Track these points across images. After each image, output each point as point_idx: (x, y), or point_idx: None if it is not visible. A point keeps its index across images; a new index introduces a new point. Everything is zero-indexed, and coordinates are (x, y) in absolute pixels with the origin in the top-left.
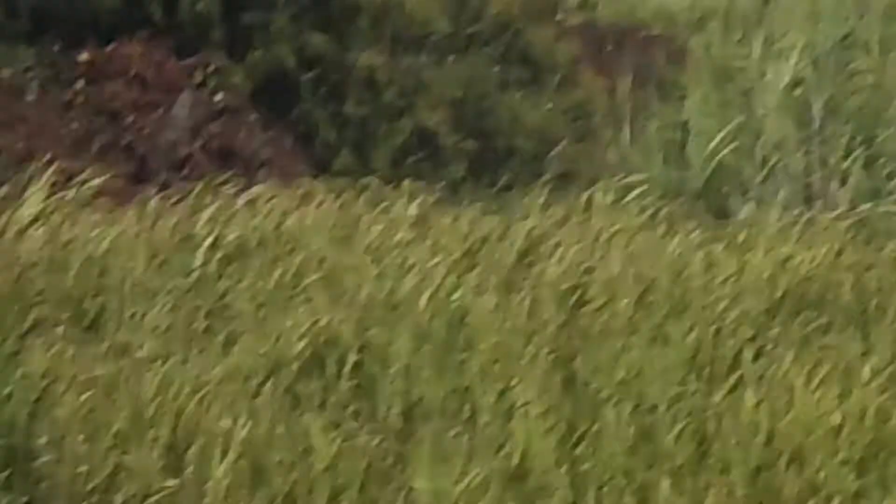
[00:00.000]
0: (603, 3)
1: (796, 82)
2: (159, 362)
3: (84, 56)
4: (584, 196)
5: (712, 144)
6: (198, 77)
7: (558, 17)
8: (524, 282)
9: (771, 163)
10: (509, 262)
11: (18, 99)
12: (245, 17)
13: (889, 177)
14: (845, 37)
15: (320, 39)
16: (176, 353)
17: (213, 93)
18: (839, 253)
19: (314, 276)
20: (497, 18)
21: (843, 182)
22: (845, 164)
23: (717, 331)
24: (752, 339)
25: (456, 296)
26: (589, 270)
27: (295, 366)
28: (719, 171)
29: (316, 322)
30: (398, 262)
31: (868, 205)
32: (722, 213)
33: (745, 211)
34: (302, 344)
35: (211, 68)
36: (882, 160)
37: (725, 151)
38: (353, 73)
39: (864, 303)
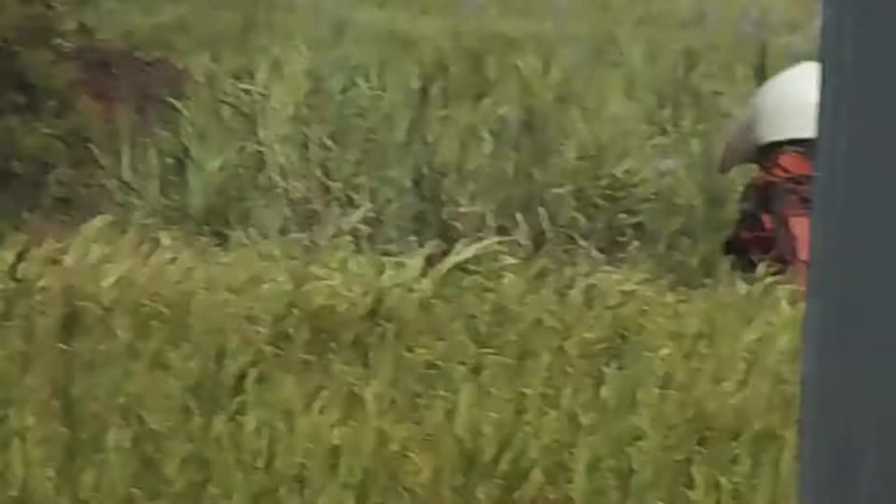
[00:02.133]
0: (102, 27)
1: (299, 109)
2: None
3: None
4: (84, 222)
5: (213, 171)
6: None
7: (55, 41)
8: (22, 310)
9: (275, 190)
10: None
11: None
12: None
13: (386, 204)
14: (351, 64)
15: None
16: None
17: None
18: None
19: None
20: None
21: (343, 207)
22: (348, 192)
23: (220, 355)
24: (255, 363)
25: None
26: (87, 296)
27: None
28: (220, 198)
29: None
30: None
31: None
32: (225, 241)
33: (248, 237)
34: None
35: None
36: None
37: (225, 178)
38: None
39: (367, 326)
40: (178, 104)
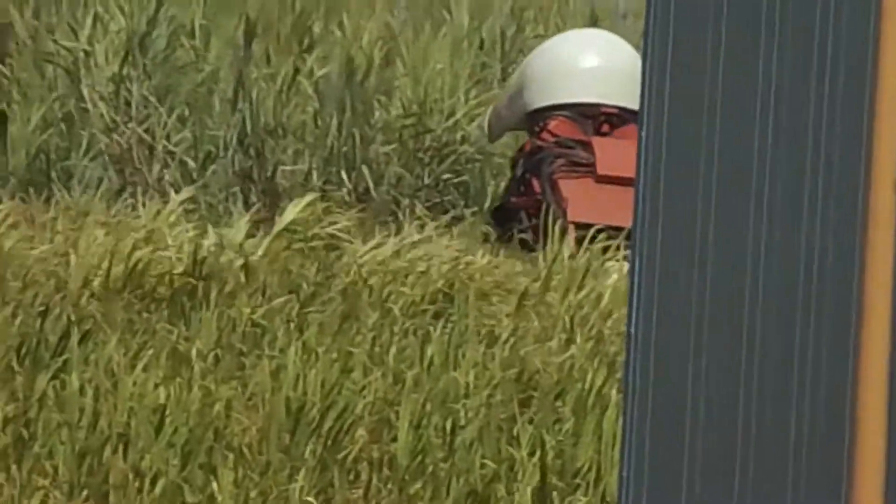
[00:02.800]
0: None
1: (122, 67)
2: None
3: None
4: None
5: (35, 128)
6: None
7: None
8: None
9: (95, 147)
10: None
11: None
12: None
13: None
14: (171, 21)
15: None
16: None
17: None
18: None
19: None
20: None
21: (166, 166)
22: (170, 148)
23: (43, 314)
24: (78, 321)
25: None
26: None
27: None
28: (42, 155)
29: None
30: None
31: (191, 189)
32: (48, 198)
33: (70, 195)
34: None
35: None
36: (208, 146)
37: (46, 136)
38: None
39: (189, 286)
40: (1, 64)
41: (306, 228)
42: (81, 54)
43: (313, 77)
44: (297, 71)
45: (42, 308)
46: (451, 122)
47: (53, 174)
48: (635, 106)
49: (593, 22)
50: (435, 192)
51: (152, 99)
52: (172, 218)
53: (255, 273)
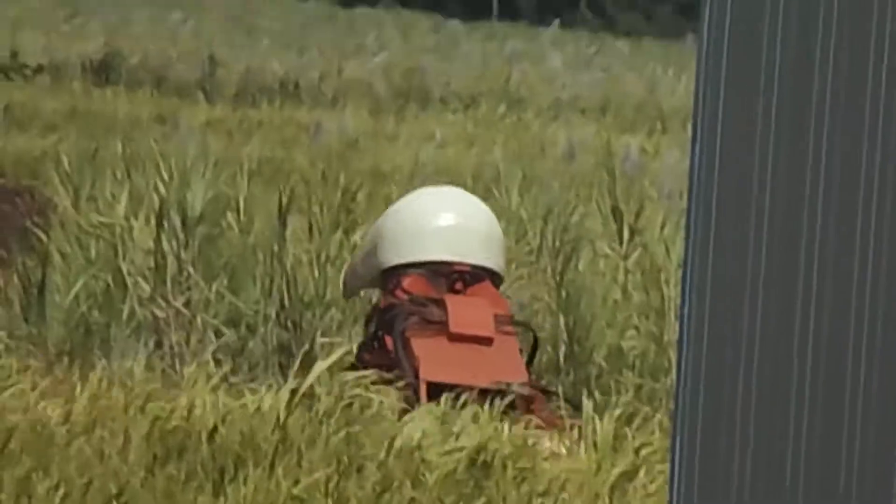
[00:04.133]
0: None
1: (160, 240)
2: None
3: None
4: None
5: (68, 301)
6: None
7: None
8: None
9: (136, 319)
10: None
11: None
12: None
13: (249, 333)
14: (215, 197)
15: None
16: None
17: None
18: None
19: None
20: None
21: (205, 338)
22: (209, 320)
23: (87, 484)
24: (117, 496)
25: None
26: None
27: None
28: (81, 326)
29: None
30: None
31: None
32: (87, 368)
33: (111, 363)
34: None
35: None
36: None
37: (85, 307)
38: None
39: (221, 456)
40: (43, 233)
41: (339, 394)
42: (119, 228)
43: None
44: (340, 245)
45: (86, 481)
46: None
47: (92, 345)
48: (489, 264)
49: None
50: None
51: (191, 271)
52: (210, 387)
53: (293, 444)
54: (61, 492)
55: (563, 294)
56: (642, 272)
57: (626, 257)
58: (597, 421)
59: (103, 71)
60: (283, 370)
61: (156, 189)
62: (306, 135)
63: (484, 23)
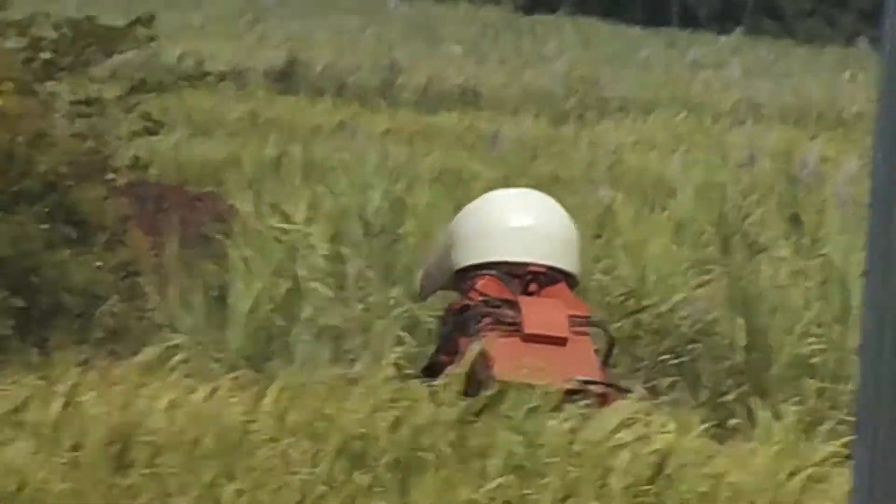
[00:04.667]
0: (155, 162)
1: (337, 245)
2: None
3: None
4: (133, 355)
5: (249, 306)
6: None
7: (108, 175)
8: (71, 441)
9: (316, 324)
10: (51, 421)
11: None
12: None
13: (428, 339)
14: (397, 201)
15: None
16: None
17: None
18: (374, 408)
19: None
20: (45, 176)
21: (384, 340)
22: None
23: (278, 489)
24: (321, 497)
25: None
26: (133, 430)
27: None
28: (262, 331)
29: None
30: None
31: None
32: (268, 373)
33: (293, 368)
34: None
35: None
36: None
37: (265, 312)
38: None
39: (404, 457)
40: (224, 239)
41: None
42: (297, 235)
43: None
44: None
45: (273, 486)
46: (669, 303)
47: (273, 350)
48: (564, 265)
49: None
50: (653, 373)
51: (370, 275)
52: (390, 394)
53: (474, 449)
54: (245, 498)
55: (742, 301)
56: (823, 280)
57: (806, 264)
58: (775, 426)
59: (285, 78)
60: None
61: (335, 196)
62: (485, 142)
63: (664, 29)
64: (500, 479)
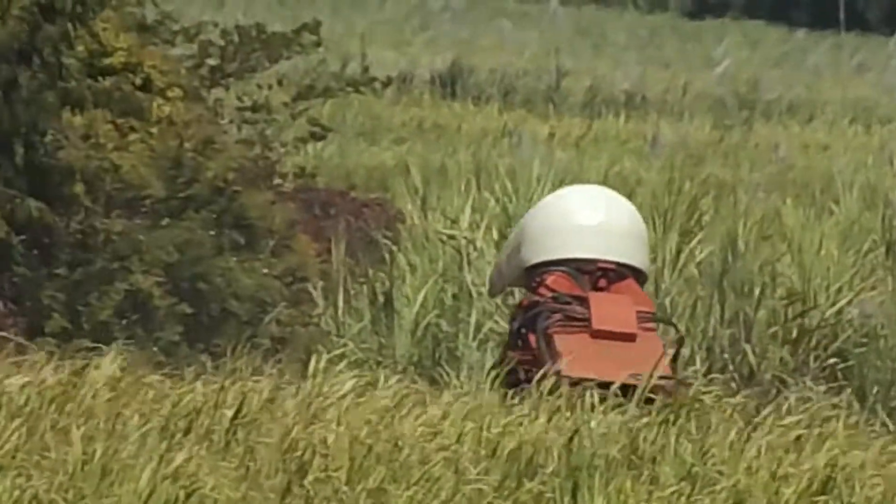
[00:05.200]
0: (321, 168)
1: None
2: None
3: None
4: (300, 362)
5: (415, 312)
6: None
7: (275, 181)
8: (242, 448)
9: (483, 330)
10: (225, 427)
11: None
12: None
13: None
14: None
15: (34, 204)
16: None
17: None
18: (550, 419)
19: (22, 440)
20: (213, 182)
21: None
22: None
23: (437, 494)
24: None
25: (172, 462)
26: (306, 437)
27: None
28: (428, 337)
29: (19, 489)
30: (109, 425)
31: None
32: (434, 380)
33: (460, 377)
34: None
35: None
36: None
37: (432, 318)
38: (65, 236)
39: (574, 467)
40: (391, 245)
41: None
42: (463, 241)
43: (696, 258)
44: (678, 252)
45: (436, 489)
46: (836, 306)
47: (440, 356)
48: (633, 262)
49: None
50: (820, 377)
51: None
52: (557, 403)
53: (644, 457)
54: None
55: None
56: None
57: None
58: None
59: (451, 84)
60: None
61: (501, 201)
62: (650, 146)
63: (831, 33)
64: (673, 487)
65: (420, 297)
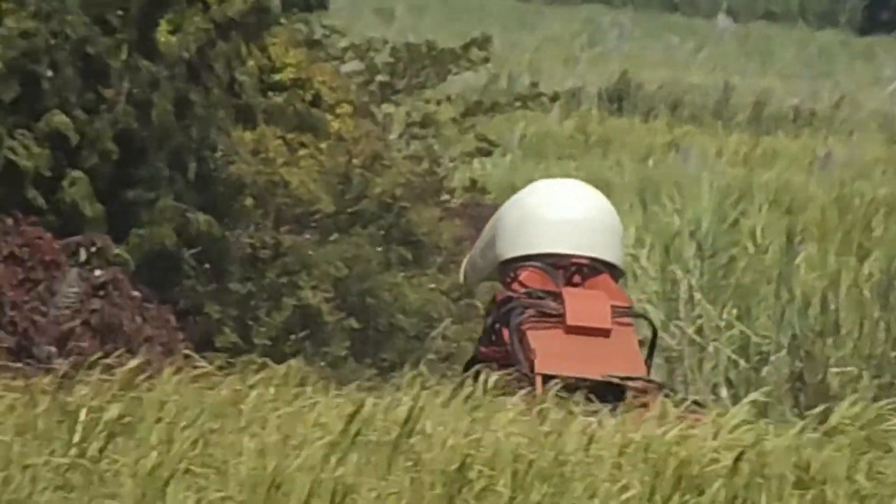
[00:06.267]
0: (488, 184)
1: (666, 266)
2: None
3: None
4: (465, 376)
5: None
6: (81, 255)
7: (443, 196)
8: (406, 462)
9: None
10: (390, 441)
11: None
12: (128, 195)
13: (760, 362)
14: (732, 222)
15: (203, 218)
16: None
17: (95, 269)
18: (715, 435)
19: (196, 452)
20: (381, 198)
21: (717, 366)
22: (721, 348)
23: None
24: None
25: (338, 474)
26: (469, 451)
27: None
28: None
29: (198, 500)
30: (279, 438)
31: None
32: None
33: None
34: None
35: (93, 248)
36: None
37: None
38: (236, 251)
39: (739, 486)
40: None
41: (858, 430)
42: (629, 258)
43: (869, 280)
44: (855, 273)
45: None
46: None
47: None
48: (607, 257)
49: None
50: None
51: (699, 296)
52: (734, 421)
53: (814, 479)
54: None
55: None
56: None
57: None
58: None
59: (618, 99)
60: (797, 401)
61: (667, 216)
62: (820, 163)
63: None
64: None
65: None
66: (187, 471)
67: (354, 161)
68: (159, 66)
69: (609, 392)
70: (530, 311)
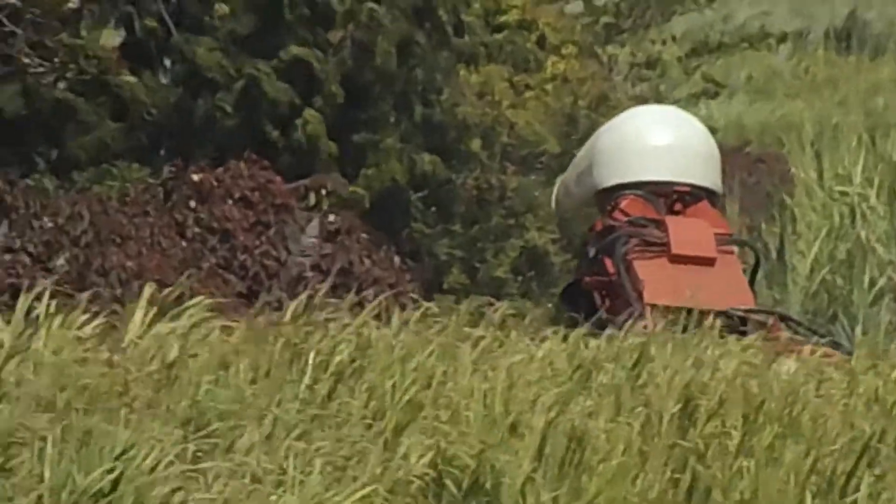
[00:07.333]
0: (715, 124)
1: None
2: (270, 485)
3: (195, 176)
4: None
5: (808, 265)
6: (311, 199)
7: None
8: (635, 402)
9: (877, 286)
10: (619, 382)
11: (130, 217)
12: (356, 137)
13: None
14: None
15: (429, 159)
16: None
17: (327, 213)
18: None
19: (427, 395)
20: None
21: None
22: None
23: (830, 452)
24: (868, 462)
25: (570, 416)
26: (698, 391)
27: (415, 486)
28: (822, 293)
29: (433, 442)
30: (510, 381)
31: None
32: (828, 334)
33: (847, 336)
34: (420, 464)
35: (323, 191)
36: None
37: (826, 273)
38: (462, 193)
39: None
40: (788, 201)
41: None
42: (856, 197)
43: None
44: None
45: (829, 447)
46: None
47: (835, 312)
48: (707, 183)
49: None
50: None
51: None
52: None
53: None
54: (810, 458)
55: None
56: None
57: None
58: None
59: (846, 38)
60: None
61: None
62: None
63: None
64: None
65: (813, 252)
66: (419, 413)
67: (580, 102)
68: (383, 8)
69: (726, 323)
70: (634, 241)
